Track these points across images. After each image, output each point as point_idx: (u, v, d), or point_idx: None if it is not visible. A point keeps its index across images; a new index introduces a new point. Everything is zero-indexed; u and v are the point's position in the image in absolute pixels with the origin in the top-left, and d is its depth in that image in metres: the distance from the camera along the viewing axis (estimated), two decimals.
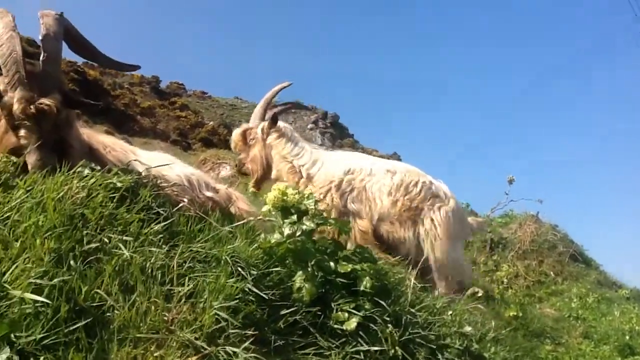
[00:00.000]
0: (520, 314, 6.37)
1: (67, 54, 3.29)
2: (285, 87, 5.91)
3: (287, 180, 5.21)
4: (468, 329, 2.94)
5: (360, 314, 2.46)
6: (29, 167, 2.61)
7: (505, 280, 9.51)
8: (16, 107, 2.68)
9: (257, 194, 5.43)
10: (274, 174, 5.36)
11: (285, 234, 2.65)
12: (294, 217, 2.74)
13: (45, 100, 2.71)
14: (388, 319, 2.55)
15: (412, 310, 2.80)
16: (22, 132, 2.71)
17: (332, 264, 2.67)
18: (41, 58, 2.84)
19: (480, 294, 7.26)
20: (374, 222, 5.05)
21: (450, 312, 3.04)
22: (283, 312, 2.35)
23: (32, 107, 2.68)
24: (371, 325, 2.48)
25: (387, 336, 2.46)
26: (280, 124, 5.49)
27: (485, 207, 14.00)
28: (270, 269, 2.52)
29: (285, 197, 2.83)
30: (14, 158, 2.53)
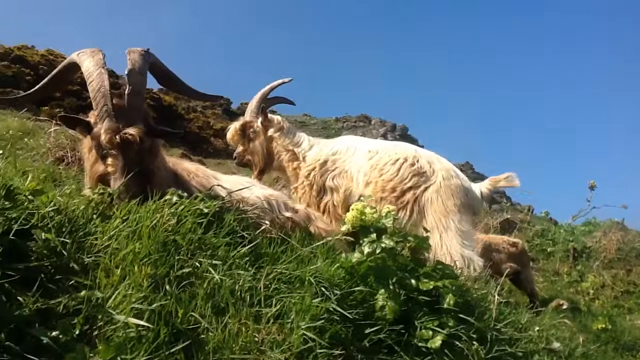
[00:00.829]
0: (610, 327, 6.09)
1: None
2: (283, 83, 6.04)
3: (287, 167, 5.46)
4: (556, 345, 2.87)
5: (445, 331, 2.46)
6: (113, 193, 2.77)
7: (591, 291, 9.12)
8: (103, 137, 2.88)
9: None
10: (275, 164, 5.60)
11: (365, 252, 2.69)
12: (373, 236, 2.78)
13: (130, 130, 2.89)
14: (473, 335, 2.53)
15: (498, 326, 2.76)
16: (109, 161, 2.90)
17: (413, 281, 2.68)
18: (126, 91, 3.03)
19: (565, 306, 7.02)
20: (353, 201, 4.64)
21: (536, 328, 2.97)
22: (367, 330, 2.39)
23: (117, 137, 2.87)
24: (456, 342, 2.47)
25: (473, 354, 2.44)
26: (277, 117, 5.73)
27: (566, 215, 13.52)
28: (353, 288, 2.56)
29: (363, 216, 2.88)
30: (109, 189, 2.70)
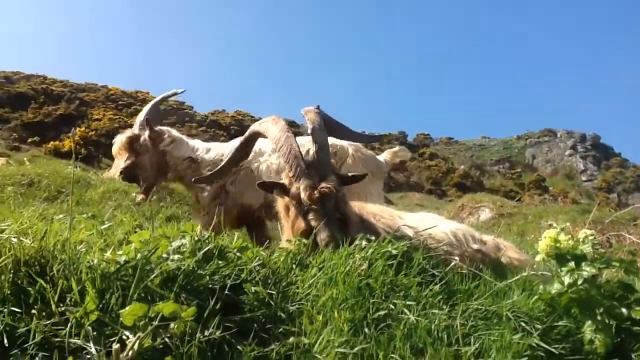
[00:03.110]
0: None
1: None
2: (175, 94, 5.93)
3: (184, 175, 5.35)
4: None
5: None
6: (320, 244, 2.95)
7: None
8: (303, 195, 3.10)
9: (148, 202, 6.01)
10: (172, 176, 5.45)
11: (566, 283, 2.56)
12: (572, 264, 2.63)
13: (325, 184, 3.10)
14: None
15: None
16: (310, 216, 3.10)
17: (624, 310, 2.48)
18: (314, 149, 3.27)
19: None
20: (268, 200, 4.89)
21: None
22: None
23: (315, 192, 3.08)
24: None
25: None
26: (165, 129, 5.54)
27: None
28: (555, 322, 2.44)
29: (558, 244, 2.74)
30: (304, 240, 2.91)
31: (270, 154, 5.31)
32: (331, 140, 5.47)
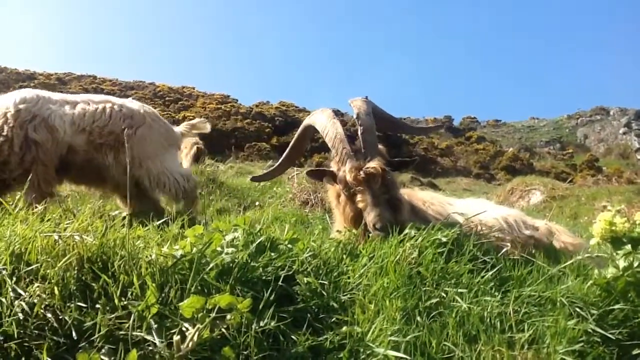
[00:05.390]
0: None
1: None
2: None
3: None
4: None
5: None
6: (369, 225, 3.00)
7: None
8: (349, 177, 3.15)
9: None
10: None
11: (621, 266, 2.50)
12: (628, 247, 2.57)
13: (371, 165, 3.13)
14: None
15: None
16: (358, 197, 3.16)
17: None
18: (359, 132, 3.31)
19: None
20: (62, 154, 4.92)
21: None
22: (635, 351, 2.21)
23: (361, 172, 3.11)
24: None
25: None
26: None
27: None
28: (611, 306, 2.40)
29: (613, 227, 2.68)
30: (354, 231, 2.95)
31: (61, 104, 5.04)
32: (126, 104, 5.47)
